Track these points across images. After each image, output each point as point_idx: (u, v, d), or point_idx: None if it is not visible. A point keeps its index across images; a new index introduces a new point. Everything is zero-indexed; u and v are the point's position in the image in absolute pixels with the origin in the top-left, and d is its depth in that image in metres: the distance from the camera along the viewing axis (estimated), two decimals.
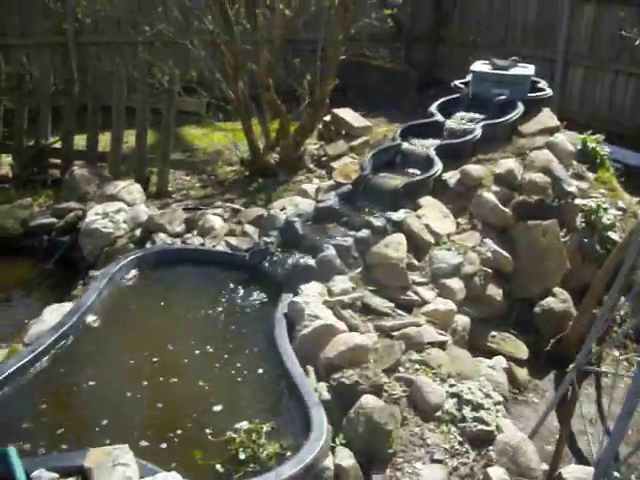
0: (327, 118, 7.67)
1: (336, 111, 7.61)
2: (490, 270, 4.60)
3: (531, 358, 4.70)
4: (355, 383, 3.38)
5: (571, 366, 3.59)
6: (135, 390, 3.48)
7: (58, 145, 6.87)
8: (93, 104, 6.68)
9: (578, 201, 5.17)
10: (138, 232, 5.29)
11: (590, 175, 5.63)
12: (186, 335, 3.97)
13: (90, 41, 9.20)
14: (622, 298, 5.22)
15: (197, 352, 3.80)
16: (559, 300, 4.80)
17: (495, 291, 4.61)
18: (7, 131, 7.06)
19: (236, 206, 5.79)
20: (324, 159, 7.17)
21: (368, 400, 3.27)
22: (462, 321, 4.29)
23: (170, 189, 6.84)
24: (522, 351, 4.59)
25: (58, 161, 6.80)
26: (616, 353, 4.94)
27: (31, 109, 6.90)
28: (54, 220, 5.84)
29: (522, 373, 4.52)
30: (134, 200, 5.89)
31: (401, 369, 3.64)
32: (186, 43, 6.60)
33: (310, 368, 3.62)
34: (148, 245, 5.09)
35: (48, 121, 6.87)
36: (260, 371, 3.67)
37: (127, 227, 5.40)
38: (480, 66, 6.01)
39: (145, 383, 3.54)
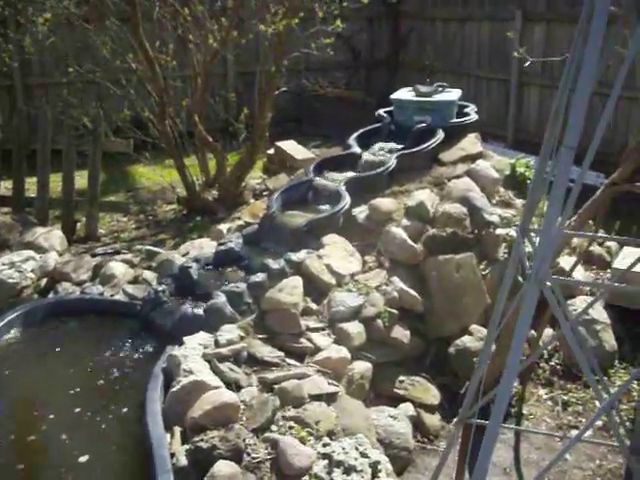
0: (271, 151, 7.53)
1: (279, 144, 7.46)
2: (396, 311, 4.33)
3: (446, 402, 4.41)
4: (212, 447, 3.12)
5: (454, 420, 3.31)
6: None
7: None
8: (18, 148, 6.53)
9: (500, 231, 4.92)
10: (44, 282, 5.10)
11: (518, 202, 5.37)
12: (57, 396, 3.75)
13: (37, 83, 9.09)
14: (551, 331, 4.99)
15: (64, 413, 3.57)
16: (476, 338, 4.52)
17: (402, 333, 4.34)
18: None
19: (154, 248, 5.58)
20: (265, 193, 6.97)
21: (220, 467, 3.01)
22: (361, 368, 4.02)
23: (103, 232, 6.67)
24: (432, 396, 4.29)
25: None
26: (542, 392, 4.65)
27: None
28: None
29: (432, 420, 4.22)
30: (52, 247, 5.71)
31: (274, 428, 3.38)
32: (106, 83, 6.46)
33: (177, 429, 3.38)
34: (51, 295, 4.90)
35: None
36: (124, 433, 3.45)
37: (34, 276, 5.20)
38: (401, 93, 5.80)
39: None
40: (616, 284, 3.05)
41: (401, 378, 4.32)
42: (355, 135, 5.66)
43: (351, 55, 10.59)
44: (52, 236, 5.84)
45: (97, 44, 6.74)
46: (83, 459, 3.25)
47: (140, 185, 8.21)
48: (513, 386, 4.48)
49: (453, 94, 5.77)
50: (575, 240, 5.27)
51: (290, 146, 7.45)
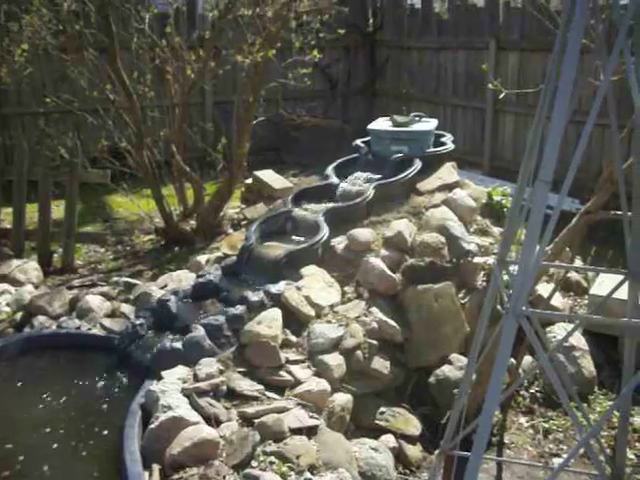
0: (249, 181, 7.53)
1: (257, 173, 7.44)
2: (376, 342, 4.32)
3: (428, 432, 4.39)
4: None
5: (436, 452, 3.30)
6: None
7: None
8: None
9: (478, 259, 4.94)
10: (20, 315, 5.02)
11: (495, 230, 5.41)
12: (32, 431, 3.67)
13: (13, 112, 9.05)
14: (530, 359, 5.00)
15: (38, 451, 3.51)
16: (455, 368, 4.51)
17: (382, 364, 4.32)
18: None
19: (132, 280, 5.53)
20: (244, 223, 6.95)
21: None
22: (341, 400, 3.98)
23: (81, 263, 6.60)
24: (413, 427, 4.27)
25: None
26: (522, 420, 4.65)
27: None
28: None
29: (414, 451, 4.19)
30: (28, 279, 5.64)
31: (254, 463, 3.34)
32: (84, 114, 6.45)
33: (156, 467, 3.32)
34: (26, 329, 4.83)
35: None
36: (102, 471, 3.40)
37: (10, 310, 5.12)
38: (377, 124, 5.85)
39: None
40: (593, 316, 3.07)
41: (382, 409, 4.28)
42: (333, 165, 5.69)
43: (328, 84, 10.69)
44: (28, 268, 5.77)
45: (75, 74, 6.74)
46: None
47: (117, 215, 8.17)
48: (494, 416, 4.48)
49: (430, 124, 5.83)
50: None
51: (268, 176, 7.45)
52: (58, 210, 6.84)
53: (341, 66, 10.78)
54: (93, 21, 6.67)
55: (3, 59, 6.80)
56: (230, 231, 6.86)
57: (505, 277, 4.83)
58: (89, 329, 4.60)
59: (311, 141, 9.95)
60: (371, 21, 11.09)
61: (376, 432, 4.17)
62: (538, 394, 4.80)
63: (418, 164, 5.37)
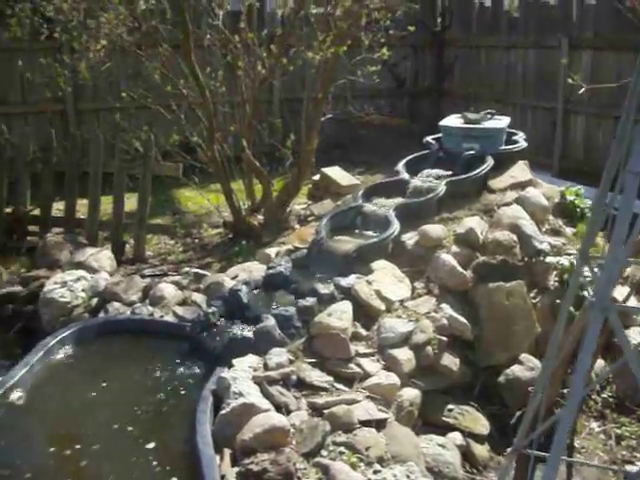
0: (316, 177, 7.58)
1: (325, 170, 7.50)
2: (445, 338, 4.29)
3: (496, 432, 4.33)
4: (262, 470, 3.11)
5: (509, 450, 3.25)
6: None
7: (38, 212, 6.87)
8: (70, 171, 6.68)
9: (550, 259, 4.85)
10: (95, 301, 5.17)
11: (568, 230, 5.31)
12: (107, 414, 3.79)
13: (89, 108, 9.32)
14: (602, 363, 4.87)
15: (114, 432, 3.61)
16: (526, 368, 4.44)
17: (451, 360, 4.29)
18: None
19: (201, 271, 5.62)
20: (310, 219, 7.00)
21: None
22: (410, 395, 3.97)
23: (150, 254, 6.74)
24: (481, 426, 4.22)
25: (37, 228, 6.79)
26: (594, 425, 4.54)
27: (10, 176, 6.93)
28: (20, 289, 5.76)
29: (481, 450, 4.14)
30: (102, 267, 5.79)
31: (324, 453, 3.36)
32: (158, 108, 6.59)
33: (227, 451, 3.38)
34: (102, 314, 4.97)
35: (27, 188, 6.89)
36: (174, 453, 3.48)
37: (85, 296, 5.28)
38: (450, 120, 5.80)
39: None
40: None
41: (450, 406, 4.26)
42: (403, 161, 5.66)
43: (395, 83, 10.64)
44: (102, 257, 5.93)
45: (149, 70, 6.90)
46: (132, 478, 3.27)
47: (186, 209, 8.31)
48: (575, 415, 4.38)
49: (502, 121, 5.76)
50: (628, 270, 5.17)
51: (335, 172, 7.49)
52: (129, 202, 7.01)
53: (409, 64, 10.72)
54: (168, 18, 6.83)
55: (81, 54, 7.02)
56: (297, 226, 6.91)
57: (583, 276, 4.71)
58: (162, 316, 4.71)
59: (378, 139, 9.94)
60: (440, 20, 11.00)
61: (444, 429, 4.14)
62: (610, 399, 4.68)
63: (490, 161, 5.31)
